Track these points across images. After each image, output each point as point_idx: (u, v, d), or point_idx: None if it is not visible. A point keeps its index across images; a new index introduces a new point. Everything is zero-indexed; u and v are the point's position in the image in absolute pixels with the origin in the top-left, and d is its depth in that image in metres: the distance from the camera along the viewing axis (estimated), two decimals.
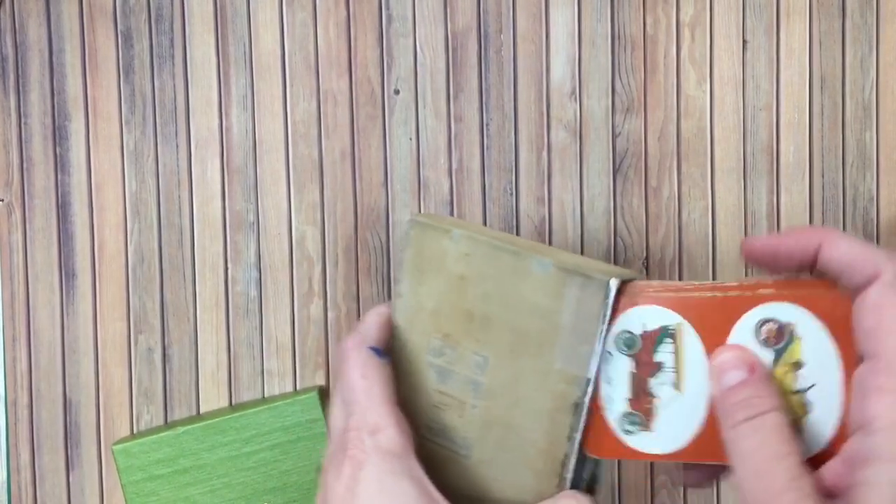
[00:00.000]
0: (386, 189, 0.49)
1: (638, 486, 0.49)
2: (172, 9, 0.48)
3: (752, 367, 0.29)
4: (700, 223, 0.49)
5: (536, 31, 0.49)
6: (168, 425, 0.48)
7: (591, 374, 0.30)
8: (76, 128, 0.48)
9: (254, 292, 0.49)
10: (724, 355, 0.29)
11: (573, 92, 0.49)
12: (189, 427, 0.46)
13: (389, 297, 0.49)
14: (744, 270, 0.49)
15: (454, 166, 0.49)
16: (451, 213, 0.49)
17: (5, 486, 0.49)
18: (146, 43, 0.48)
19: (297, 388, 0.49)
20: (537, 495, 0.31)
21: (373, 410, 0.32)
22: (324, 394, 0.48)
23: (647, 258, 0.49)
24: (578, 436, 0.31)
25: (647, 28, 0.49)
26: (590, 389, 0.30)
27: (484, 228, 0.34)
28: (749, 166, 0.49)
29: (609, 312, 0.30)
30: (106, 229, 0.49)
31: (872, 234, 0.49)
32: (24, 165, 0.48)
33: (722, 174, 0.49)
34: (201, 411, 0.49)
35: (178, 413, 0.49)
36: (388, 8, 0.48)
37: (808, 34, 0.49)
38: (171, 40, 0.48)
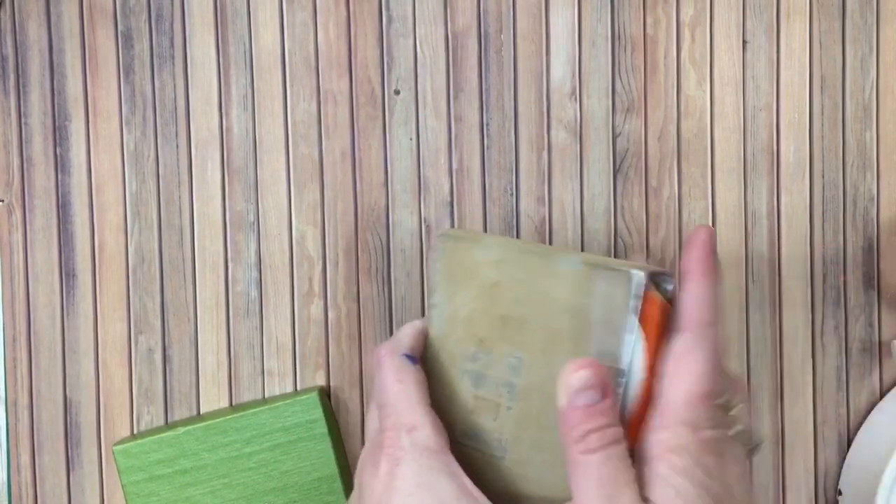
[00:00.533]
0: (386, 189, 0.49)
1: None
2: (172, 9, 0.48)
3: (606, 389, 0.30)
4: (700, 223, 0.49)
5: (536, 31, 0.49)
6: (168, 425, 0.48)
7: (625, 366, 0.31)
8: (76, 128, 0.48)
9: (254, 292, 0.49)
10: (580, 372, 0.30)
11: (573, 92, 0.49)
12: (189, 427, 0.46)
13: (390, 297, 0.49)
14: (744, 270, 0.49)
15: (454, 166, 0.49)
16: (452, 213, 0.49)
17: (5, 486, 0.49)
18: (146, 43, 0.48)
19: (298, 388, 0.49)
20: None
21: (409, 411, 0.32)
22: (324, 394, 0.48)
23: (647, 258, 0.49)
24: None
25: (647, 28, 0.49)
26: (623, 381, 0.31)
27: (509, 238, 0.34)
28: (749, 166, 0.49)
29: (637, 304, 0.31)
30: (106, 229, 0.49)
31: (872, 234, 0.49)
32: (24, 166, 0.48)
33: (722, 174, 0.49)
34: (201, 411, 0.49)
35: (178, 413, 0.49)
36: (388, 8, 0.48)
37: (808, 34, 0.49)
38: (171, 40, 0.48)
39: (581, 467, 0.29)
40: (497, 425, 0.33)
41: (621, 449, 0.29)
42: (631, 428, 0.31)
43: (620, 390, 0.31)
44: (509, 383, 0.32)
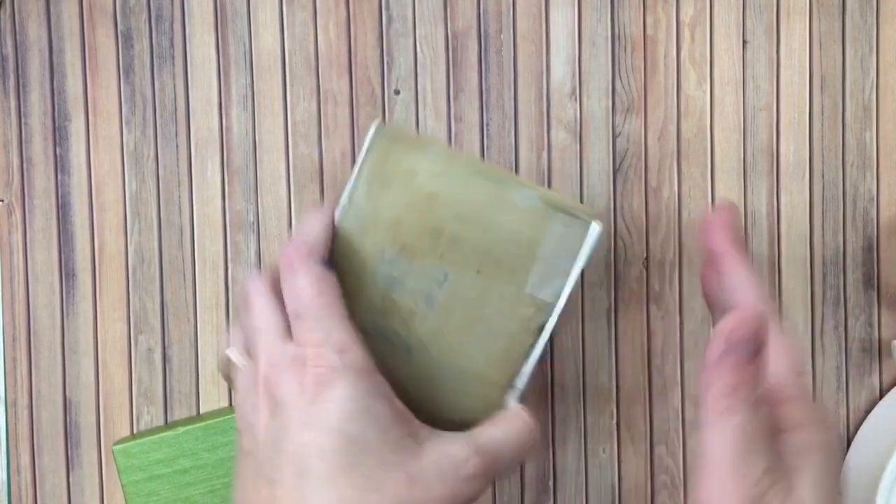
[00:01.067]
0: None
1: (638, 487, 0.49)
2: (172, 9, 0.48)
3: (761, 344, 0.28)
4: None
5: (536, 31, 0.49)
6: (168, 425, 0.48)
7: (560, 305, 0.32)
8: (76, 128, 0.48)
9: None
10: (747, 322, 0.28)
11: (573, 92, 0.49)
12: (189, 427, 0.46)
13: None
14: None
15: None
16: None
17: (5, 486, 0.49)
18: (146, 43, 0.48)
19: None
20: (484, 404, 0.33)
21: (337, 329, 0.31)
22: None
23: (647, 258, 0.49)
24: (537, 353, 0.33)
25: (647, 28, 0.49)
26: (555, 316, 0.32)
27: (455, 153, 0.34)
28: (749, 166, 0.49)
29: (589, 253, 0.32)
30: (106, 229, 0.49)
31: (872, 234, 0.49)
32: (24, 166, 0.48)
33: (722, 174, 0.49)
34: (201, 411, 0.49)
35: (178, 413, 0.49)
36: (388, 8, 0.48)
37: (808, 34, 0.49)
38: (171, 40, 0.48)
39: (712, 425, 0.28)
40: (406, 331, 0.33)
41: (763, 412, 0.28)
42: None
43: (549, 322, 0.32)
44: (429, 294, 0.32)
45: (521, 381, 0.33)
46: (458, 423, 0.32)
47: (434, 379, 0.33)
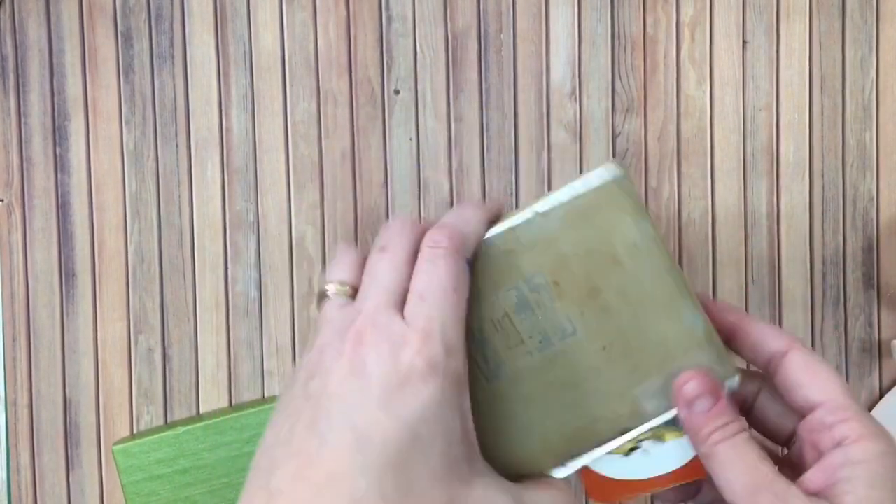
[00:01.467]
0: (386, 189, 0.49)
1: None
2: (172, 9, 0.48)
3: (717, 393, 0.31)
4: (700, 223, 0.49)
5: (536, 31, 0.49)
6: (168, 425, 0.48)
7: (656, 422, 0.32)
8: (76, 128, 0.48)
9: (254, 293, 0.49)
10: (691, 383, 0.31)
11: (573, 92, 0.49)
12: (189, 427, 0.46)
13: None
14: (744, 270, 0.49)
15: (454, 166, 0.49)
16: None
17: (5, 486, 0.49)
18: (146, 43, 0.48)
19: None
20: (531, 465, 0.32)
21: (453, 328, 0.29)
22: None
23: None
24: (602, 451, 0.32)
25: (647, 28, 0.49)
26: (642, 428, 0.32)
27: (657, 232, 0.32)
28: (749, 166, 0.49)
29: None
30: (106, 229, 0.49)
31: (872, 234, 0.49)
32: (24, 165, 0.48)
33: (722, 174, 0.49)
34: (201, 411, 0.49)
35: (178, 413, 0.49)
36: (388, 8, 0.48)
37: (808, 34, 0.49)
38: (171, 40, 0.48)
39: (714, 458, 0.30)
40: (503, 355, 0.32)
41: (746, 436, 0.30)
42: None
43: (645, 427, 0.32)
44: (547, 337, 0.31)
45: (574, 465, 0.32)
46: (496, 466, 0.31)
47: (498, 416, 0.32)
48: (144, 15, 0.48)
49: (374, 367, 0.28)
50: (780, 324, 0.49)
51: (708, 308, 0.33)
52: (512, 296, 0.32)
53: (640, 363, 0.32)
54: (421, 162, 0.49)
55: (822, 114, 0.49)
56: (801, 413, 0.31)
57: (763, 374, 0.34)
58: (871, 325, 0.49)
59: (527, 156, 0.49)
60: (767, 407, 0.34)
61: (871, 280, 0.49)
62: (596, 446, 0.32)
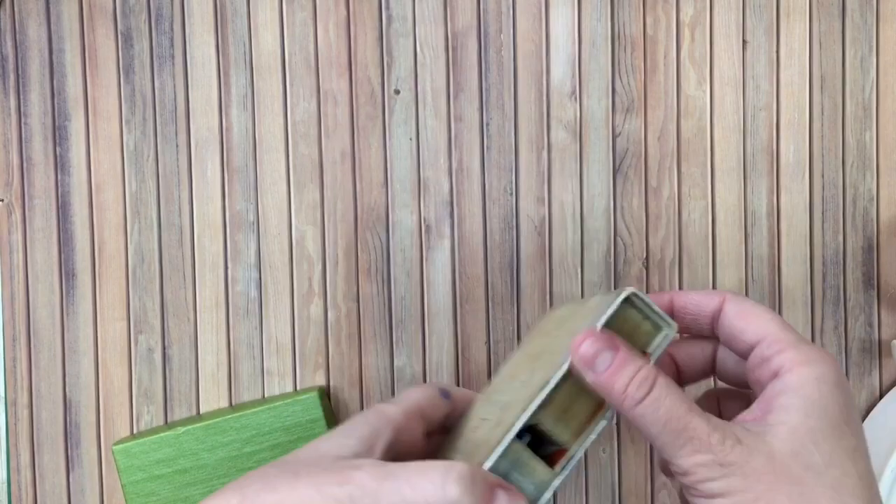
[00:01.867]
0: (386, 189, 0.49)
1: (638, 487, 0.49)
2: (172, 9, 0.48)
3: (613, 344, 0.29)
4: (700, 223, 0.49)
5: (536, 31, 0.49)
6: (168, 425, 0.48)
7: (523, 417, 0.30)
8: (76, 128, 0.48)
9: (254, 292, 0.49)
10: (584, 344, 0.29)
11: (573, 92, 0.49)
12: (189, 427, 0.46)
13: (389, 297, 0.49)
14: (744, 270, 0.49)
15: (454, 166, 0.49)
16: (451, 213, 0.49)
17: (5, 485, 0.49)
18: (146, 43, 0.48)
19: (298, 388, 0.49)
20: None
21: (401, 398, 0.33)
22: (324, 394, 0.48)
23: (647, 258, 0.49)
24: (502, 447, 0.30)
25: (647, 28, 0.49)
26: (519, 423, 0.30)
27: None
28: (749, 166, 0.49)
29: (610, 314, 0.31)
30: (106, 229, 0.49)
31: (872, 234, 0.49)
32: (24, 165, 0.48)
33: (722, 174, 0.49)
34: (201, 411, 0.49)
35: (178, 413, 0.49)
36: (388, 8, 0.48)
37: (808, 34, 0.49)
38: (171, 40, 0.48)
39: (640, 421, 0.29)
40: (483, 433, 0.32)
41: (665, 381, 0.29)
42: None
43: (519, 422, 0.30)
44: (503, 402, 0.32)
45: (489, 460, 0.30)
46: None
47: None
48: (144, 15, 0.48)
49: None
50: None
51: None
52: (480, 407, 0.34)
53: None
54: (421, 162, 0.49)
55: (822, 114, 0.49)
56: (746, 357, 0.31)
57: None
58: (871, 325, 0.49)
59: (527, 156, 0.49)
60: (725, 360, 0.33)
61: (871, 280, 0.49)
62: (498, 444, 0.30)
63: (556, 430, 0.30)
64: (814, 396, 0.28)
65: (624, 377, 0.29)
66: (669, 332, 0.31)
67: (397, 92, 0.49)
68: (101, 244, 0.49)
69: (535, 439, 0.30)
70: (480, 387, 0.49)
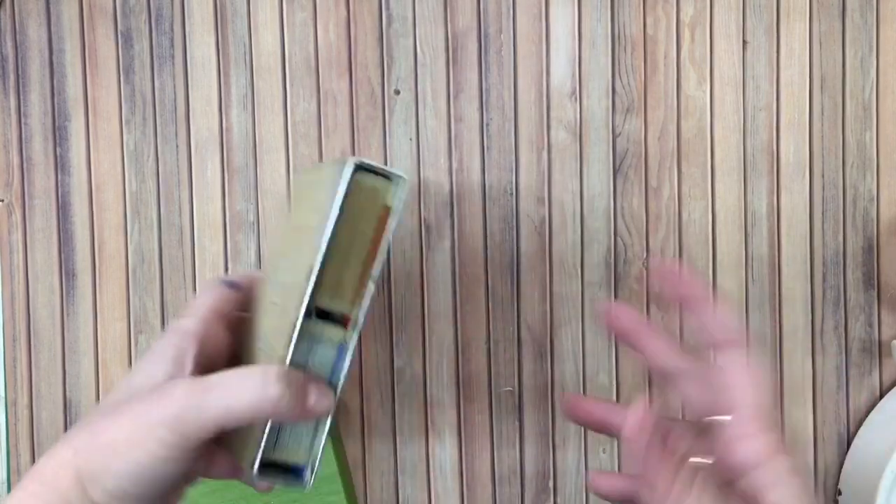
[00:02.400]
0: None
1: None
2: (172, 9, 0.48)
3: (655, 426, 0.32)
4: (700, 223, 0.49)
5: (536, 31, 0.49)
6: None
7: (308, 287, 0.34)
8: (76, 128, 0.48)
9: None
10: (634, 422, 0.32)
11: (573, 92, 0.49)
12: None
13: (390, 297, 0.49)
14: (744, 270, 0.49)
15: (454, 166, 0.49)
16: (451, 213, 0.49)
17: (5, 486, 0.49)
18: (146, 43, 0.48)
19: None
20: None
21: (192, 308, 0.36)
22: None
23: (647, 258, 0.49)
24: (297, 327, 0.33)
25: (647, 28, 0.49)
26: (306, 297, 0.34)
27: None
28: (749, 166, 0.49)
29: (344, 188, 0.34)
30: (106, 229, 0.49)
31: (872, 234, 0.49)
32: (24, 165, 0.48)
33: (722, 174, 0.49)
34: None
35: None
36: (388, 8, 0.48)
37: (808, 34, 0.49)
38: (171, 40, 0.48)
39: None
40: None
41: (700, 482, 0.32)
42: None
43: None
44: (283, 283, 0.36)
45: (289, 350, 0.33)
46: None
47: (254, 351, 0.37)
48: (144, 15, 0.48)
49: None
50: (780, 324, 0.49)
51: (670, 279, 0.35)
52: (268, 287, 0.38)
53: (315, 229, 0.34)
54: (421, 162, 0.49)
55: (822, 114, 0.49)
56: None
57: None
58: (871, 325, 0.49)
59: (527, 156, 0.49)
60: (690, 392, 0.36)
61: (871, 280, 0.49)
62: (293, 329, 0.33)
63: (333, 304, 0.33)
64: (795, 488, 0.31)
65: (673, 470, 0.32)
66: (401, 180, 0.34)
67: (397, 92, 0.49)
68: (101, 244, 0.49)
69: (321, 313, 0.33)
70: (481, 387, 0.49)
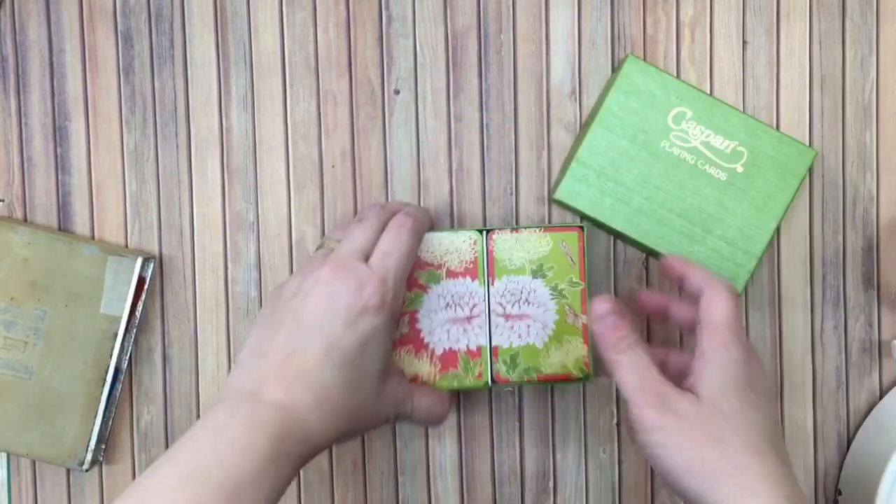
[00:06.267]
0: (386, 189, 0.49)
1: (638, 486, 0.49)
2: (172, 9, 0.48)
3: (622, 314, 0.40)
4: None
5: (536, 31, 0.49)
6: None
7: (123, 323, 0.46)
8: (76, 128, 0.48)
9: (254, 292, 0.49)
10: (604, 304, 0.41)
11: (573, 92, 0.49)
12: None
13: None
14: None
15: (454, 166, 0.49)
16: (451, 213, 0.49)
17: (5, 486, 0.49)
18: (146, 43, 0.48)
19: None
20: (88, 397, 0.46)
21: (401, 281, 0.42)
22: None
23: (647, 258, 0.49)
24: (116, 353, 0.46)
25: (647, 28, 0.49)
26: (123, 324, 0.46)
27: (39, 230, 0.46)
28: None
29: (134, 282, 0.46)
30: (106, 229, 0.49)
31: (872, 235, 0.49)
32: (25, 166, 0.48)
33: None
34: (201, 411, 0.49)
35: (178, 413, 0.49)
36: (388, 8, 0.48)
37: (808, 34, 0.49)
38: (171, 40, 0.48)
39: (618, 364, 0.40)
40: (24, 357, 0.46)
41: (642, 346, 0.40)
42: None
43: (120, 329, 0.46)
44: (36, 328, 0.46)
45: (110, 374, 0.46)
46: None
47: (51, 390, 0.46)
48: (144, 15, 0.48)
49: (342, 296, 0.40)
50: (780, 324, 0.49)
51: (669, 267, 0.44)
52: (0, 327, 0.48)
53: (90, 297, 0.47)
54: (421, 162, 0.49)
55: (822, 114, 0.49)
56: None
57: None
58: (871, 325, 0.49)
59: (527, 156, 0.49)
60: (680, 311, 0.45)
61: (871, 280, 0.49)
62: (111, 355, 0.47)
63: None
64: (726, 370, 0.39)
65: (619, 334, 0.40)
66: None
67: (397, 92, 0.49)
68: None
69: None
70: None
